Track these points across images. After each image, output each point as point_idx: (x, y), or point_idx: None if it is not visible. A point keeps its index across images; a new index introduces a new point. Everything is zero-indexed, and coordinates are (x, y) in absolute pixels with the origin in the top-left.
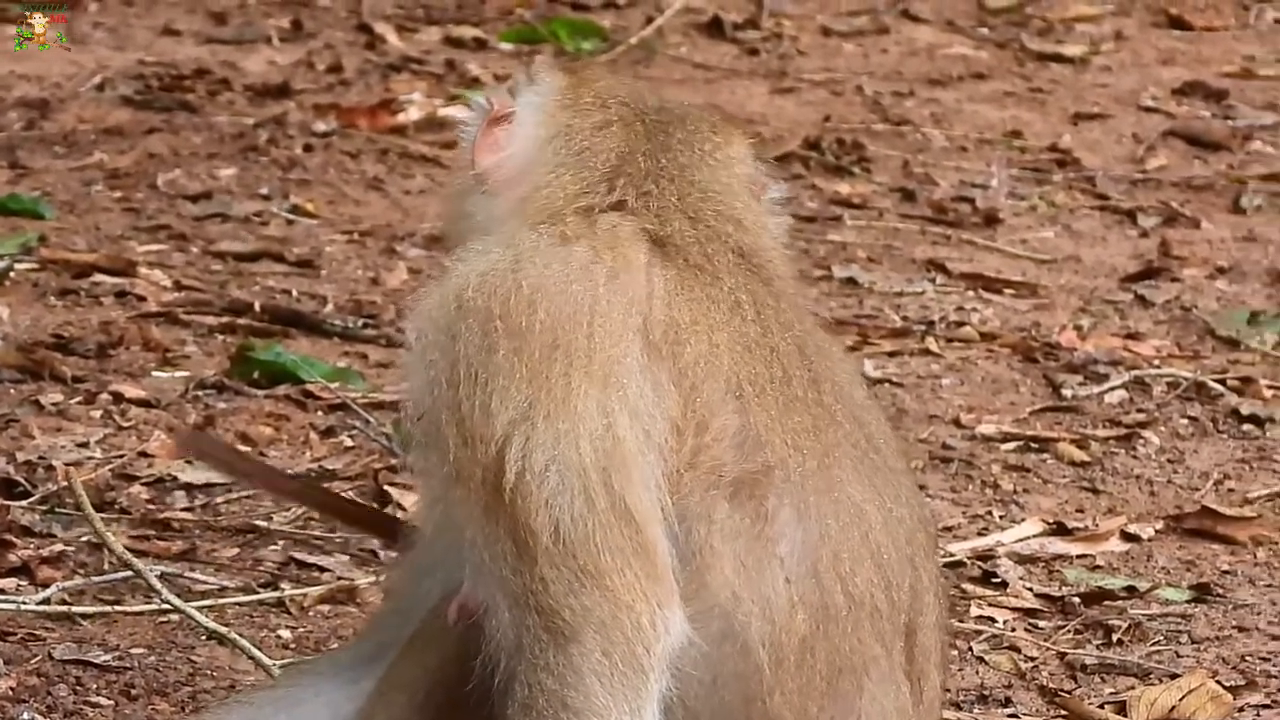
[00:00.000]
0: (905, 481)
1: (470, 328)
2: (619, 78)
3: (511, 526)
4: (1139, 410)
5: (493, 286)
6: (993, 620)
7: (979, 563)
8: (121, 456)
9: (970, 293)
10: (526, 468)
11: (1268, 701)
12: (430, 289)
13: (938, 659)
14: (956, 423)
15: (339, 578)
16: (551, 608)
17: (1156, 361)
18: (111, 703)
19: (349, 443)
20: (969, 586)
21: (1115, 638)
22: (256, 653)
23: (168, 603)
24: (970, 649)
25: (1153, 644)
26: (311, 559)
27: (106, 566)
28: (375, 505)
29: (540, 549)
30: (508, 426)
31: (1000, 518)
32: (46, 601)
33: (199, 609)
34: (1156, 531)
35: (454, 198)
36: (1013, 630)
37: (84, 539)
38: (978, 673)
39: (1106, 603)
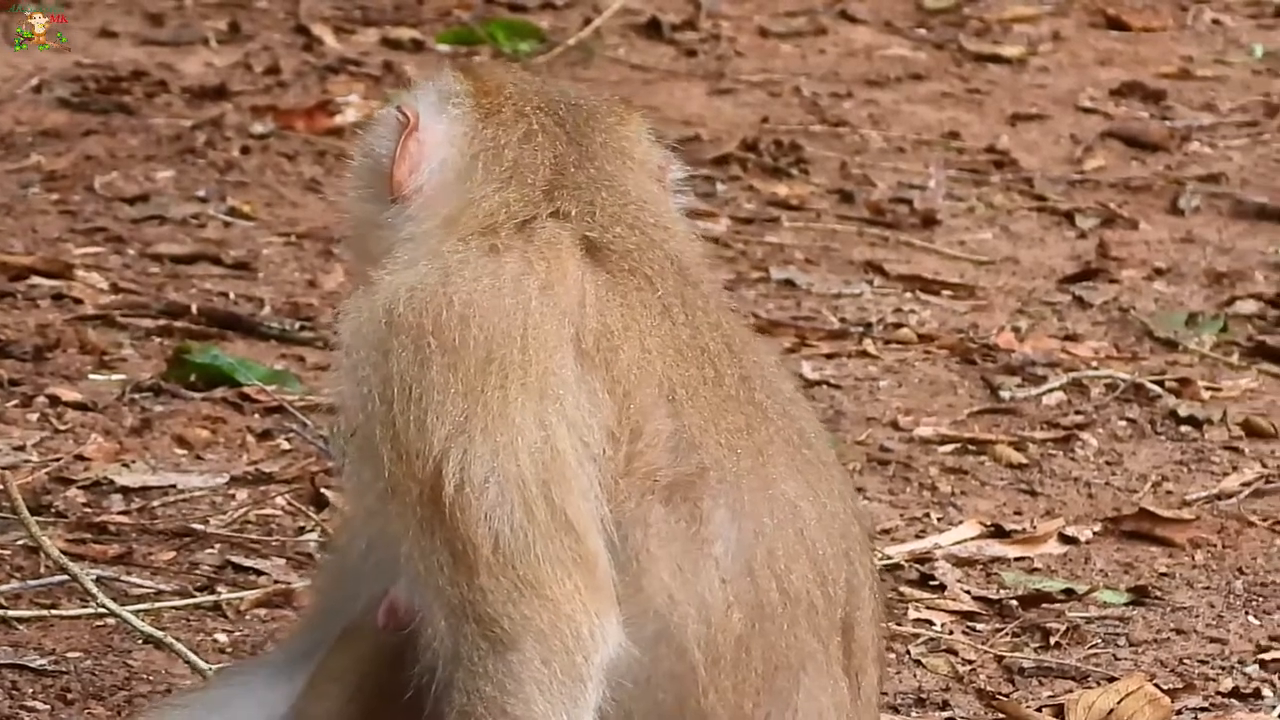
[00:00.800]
0: (837, 475)
1: (402, 344)
2: (523, 75)
3: (449, 538)
4: (1077, 412)
5: (423, 302)
6: (930, 623)
7: (916, 565)
8: (58, 460)
9: (908, 294)
10: (465, 481)
11: (1205, 704)
12: (357, 302)
13: (875, 654)
14: (894, 425)
15: (275, 581)
16: (490, 616)
17: (1094, 363)
18: (48, 707)
19: (286, 445)
20: (907, 589)
21: (1053, 640)
22: (193, 657)
23: (104, 607)
24: (908, 652)
25: (1090, 647)
26: (248, 563)
27: (42, 570)
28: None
29: (480, 560)
30: (444, 441)
31: (938, 520)
32: None
33: (135, 613)
34: (1094, 534)
35: (363, 212)
36: (950, 633)
37: (19, 543)
38: (915, 675)
39: (1044, 605)
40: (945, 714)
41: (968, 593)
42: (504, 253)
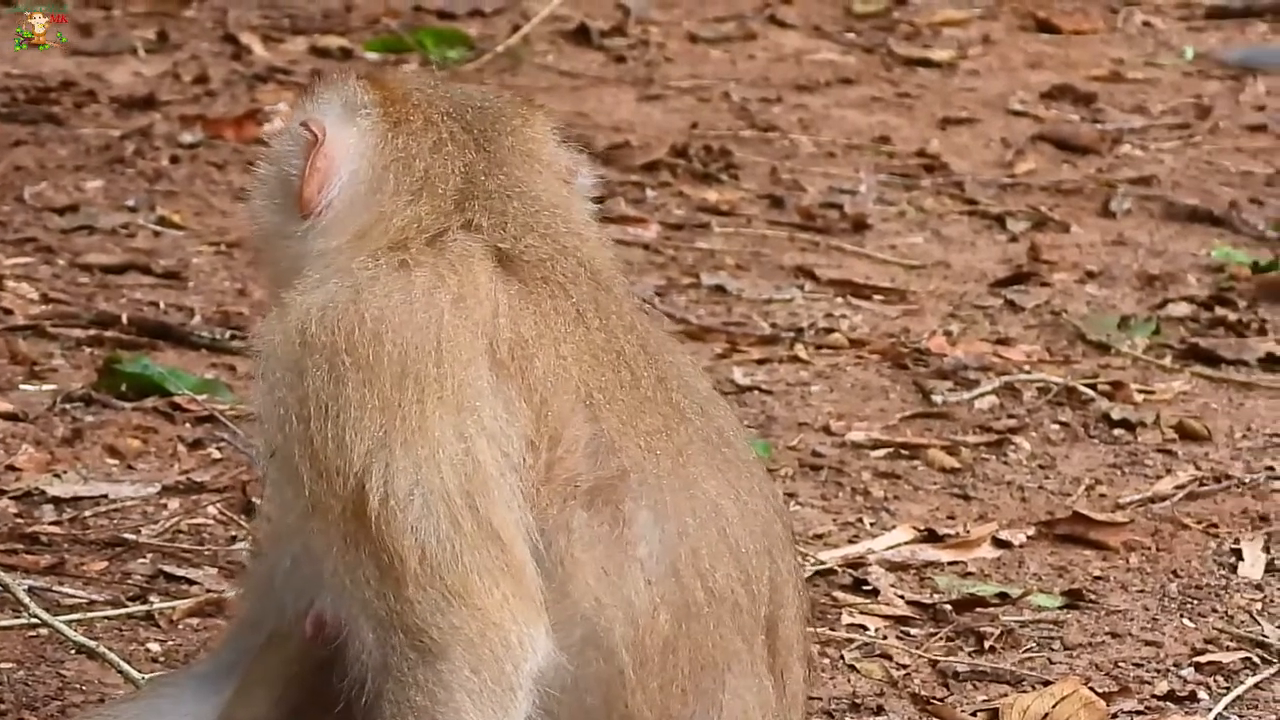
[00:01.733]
0: (758, 473)
1: (317, 363)
2: (426, 80)
3: (374, 552)
4: (1009, 416)
5: (335, 320)
6: (864, 628)
7: (850, 570)
8: None
9: (839, 299)
10: (389, 495)
11: (1141, 708)
12: (270, 324)
13: (800, 652)
14: (826, 430)
15: (208, 590)
16: (419, 626)
17: (1027, 367)
18: None
19: (217, 455)
20: (840, 594)
21: (987, 645)
22: (126, 666)
23: (36, 616)
24: (842, 657)
25: (1025, 650)
26: (180, 572)
27: None
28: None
29: (407, 572)
30: (365, 457)
31: (871, 525)
32: None
33: (68, 623)
34: (1028, 538)
35: (272, 226)
36: (884, 638)
37: None
38: (849, 681)
39: (978, 609)
40: (880, 719)
41: (901, 597)
42: (415, 267)
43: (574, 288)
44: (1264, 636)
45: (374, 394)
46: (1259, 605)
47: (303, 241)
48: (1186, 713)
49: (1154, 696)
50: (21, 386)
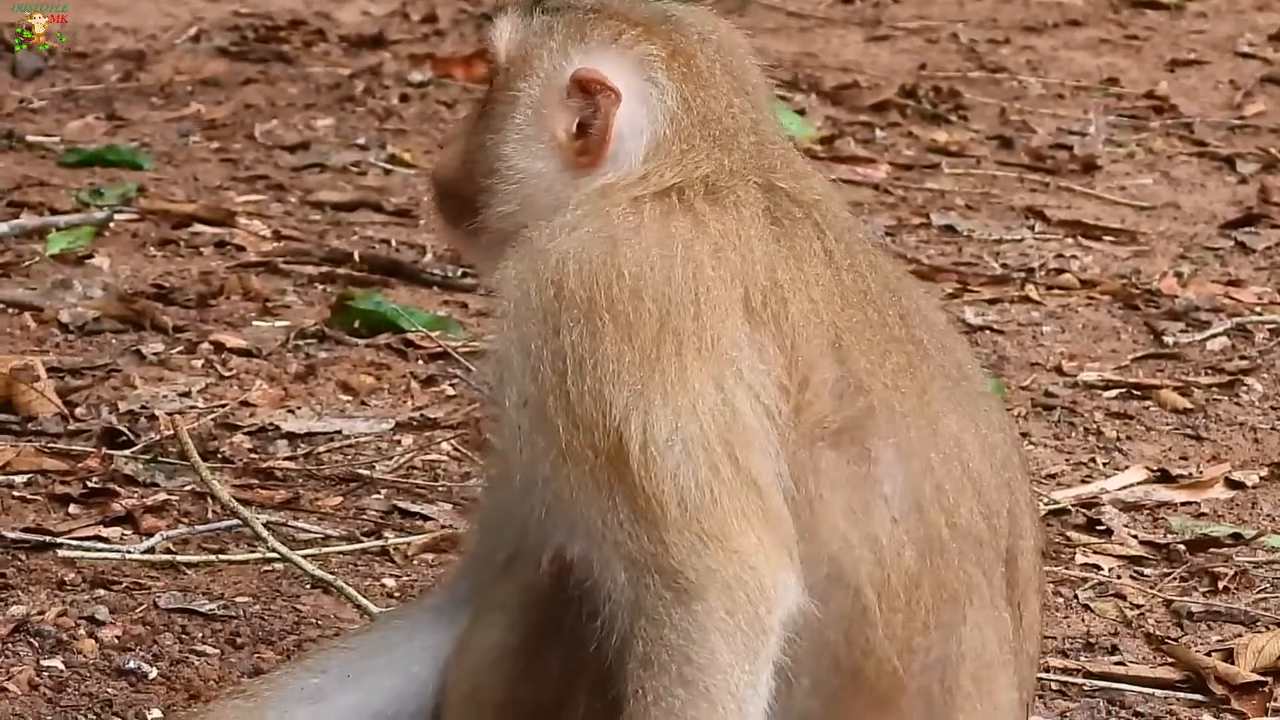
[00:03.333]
0: (995, 405)
1: (574, 318)
2: (686, 18)
3: (630, 496)
4: (1241, 357)
5: (593, 275)
6: (1098, 568)
7: (1083, 510)
8: (223, 406)
9: (1069, 240)
10: (649, 441)
11: None
12: (519, 266)
13: (1037, 584)
14: (1058, 370)
15: (442, 526)
16: (674, 569)
17: (1258, 308)
18: (217, 651)
19: (450, 391)
20: (1074, 534)
21: (1221, 585)
22: (362, 600)
23: (274, 551)
24: (1076, 597)
25: (1259, 591)
26: (415, 508)
27: (210, 515)
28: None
29: (666, 516)
30: (624, 409)
31: (1104, 465)
32: (151, 551)
33: (304, 558)
34: (1261, 479)
35: (528, 168)
36: (1118, 578)
37: (187, 488)
38: (1084, 620)
39: (1212, 550)
40: (1114, 658)
41: (1135, 537)
42: (676, 215)
43: (827, 228)
44: None
45: (633, 348)
46: None
47: (561, 185)
48: None
49: None
50: (255, 323)
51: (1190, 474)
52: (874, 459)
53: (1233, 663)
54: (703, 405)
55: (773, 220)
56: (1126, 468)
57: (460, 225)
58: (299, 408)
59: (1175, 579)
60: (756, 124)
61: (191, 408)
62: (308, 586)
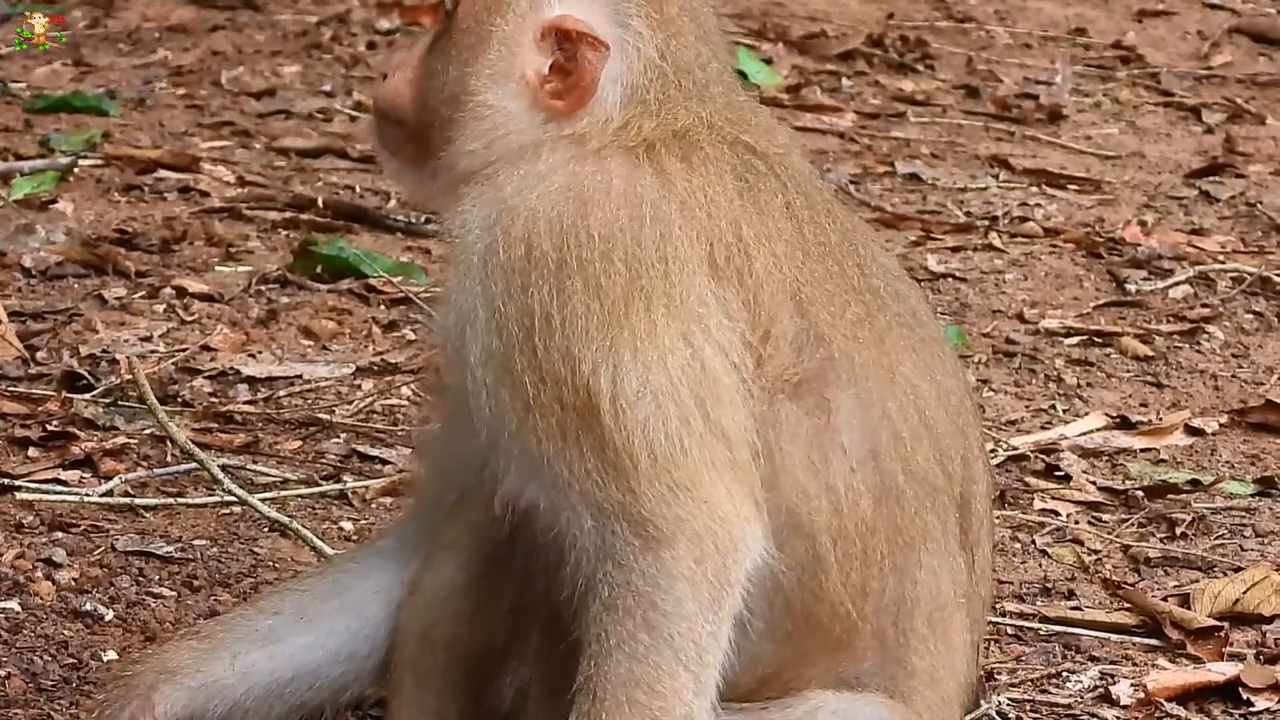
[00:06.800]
0: (948, 351)
1: (543, 277)
2: None
3: (598, 447)
4: (1203, 305)
5: (563, 235)
6: (1056, 513)
7: (1042, 456)
8: (184, 350)
9: (1034, 188)
10: (619, 395)
11: None
12: (482, 214)
13: (988, 528)
14: (1020, 317)
15: (400, 470)
16: (643, 516)
17: (1221, 257)
18: (174, 593)
19: (411, 336)
20: (1032, 480)
21: (1179, 531)
22: (319, 543)
23: (231, 493)
24: (1033, 542)
25: (1216, 537)
26: (373, 452)
27: (169, 459)
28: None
29: (637, 467)
30: (593, 364)
31: (1064, 411)
32: (109, 494)
33: (261, 501)
34: (1220, 425)
35: (498, 108)
36: (1076, 523)
37: (146, 432)
38: (1040, 565)
39: (1170, 496)
40: (1071, 603)
41: (1093, 483)
42: (645, 170)
43: (789, 181)
44: None
45: (602, 307)
46: None
47: (531, 126)
48: None
49: None
50: (218, 268)
51: (1150, 420)
52: (833, 409)
53: (1189, 608)
54: (672, 360)
55: (738, 176)
56: (1086, 414)
57: (404, 156)
58: (260, 352)
59: (1133, 525)
60: (720, 74)
61: (153, 352)
62: (265, 530)
